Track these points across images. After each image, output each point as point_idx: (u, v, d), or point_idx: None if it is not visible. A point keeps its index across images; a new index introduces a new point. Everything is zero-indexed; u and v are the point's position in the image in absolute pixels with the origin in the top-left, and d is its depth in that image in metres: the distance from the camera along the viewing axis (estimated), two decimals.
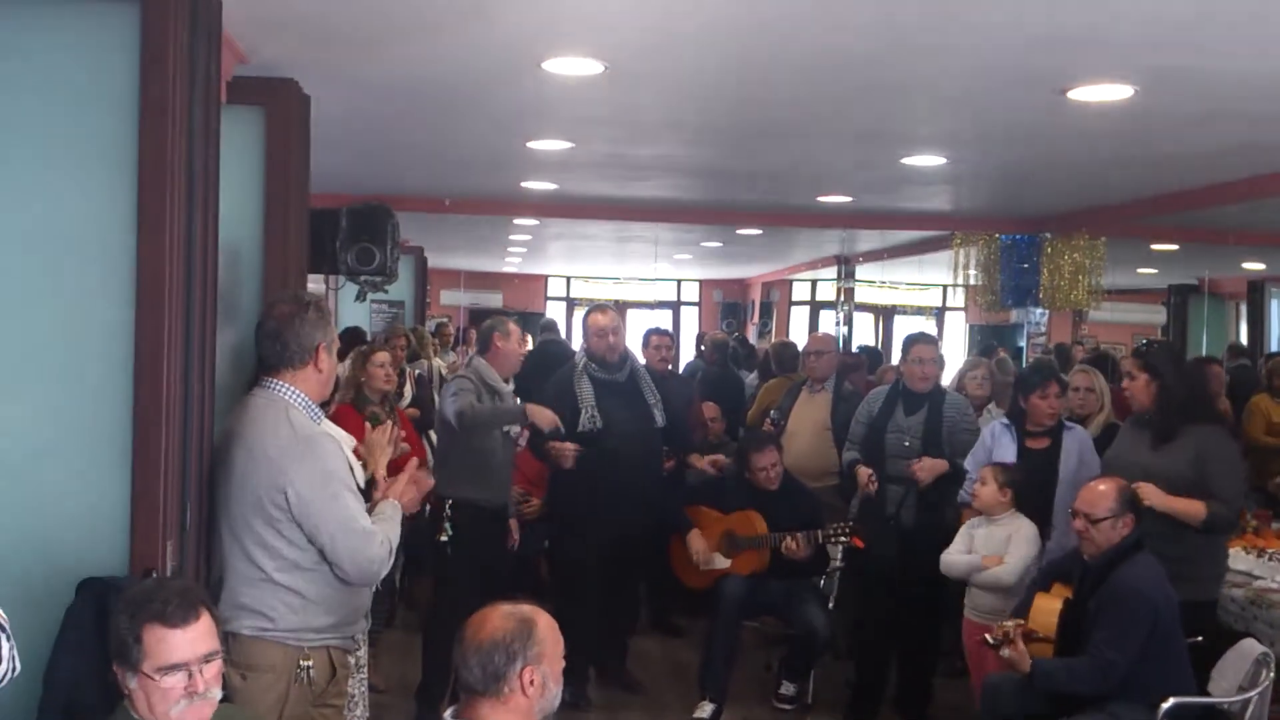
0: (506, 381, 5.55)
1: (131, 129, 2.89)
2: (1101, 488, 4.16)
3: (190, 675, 2.39)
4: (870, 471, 5.44)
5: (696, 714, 5.47)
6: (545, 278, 20.73)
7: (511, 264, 17.87)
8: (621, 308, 17.27)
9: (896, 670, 5.61)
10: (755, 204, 9.42)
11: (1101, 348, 12.51)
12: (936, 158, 6.66)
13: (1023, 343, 11.89)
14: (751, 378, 9.56)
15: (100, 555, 2.89)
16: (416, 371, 8.56)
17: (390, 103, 5.48)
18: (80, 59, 2.92)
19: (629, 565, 5.85)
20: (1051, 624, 4.17)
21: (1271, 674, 4.04)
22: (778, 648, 6.08)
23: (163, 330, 2.88)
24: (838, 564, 6.07)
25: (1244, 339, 13.84)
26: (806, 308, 18.63)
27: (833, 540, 5.59)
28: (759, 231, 11.55)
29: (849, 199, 8.69)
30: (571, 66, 4.48)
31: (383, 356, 5.77)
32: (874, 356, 10.69)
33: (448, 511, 5.23)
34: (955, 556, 4.94)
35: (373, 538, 3.10)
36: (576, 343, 8.10)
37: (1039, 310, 10.84)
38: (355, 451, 3.41)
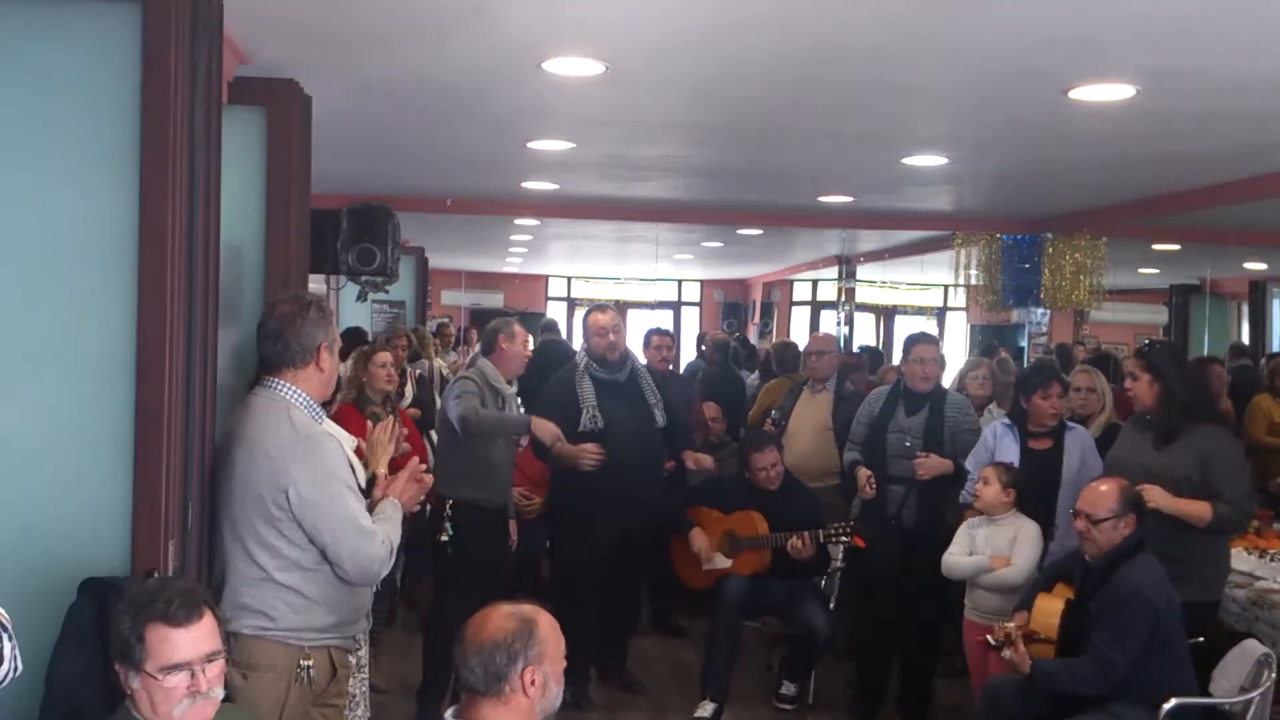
0: (510, 383, 5.56)
1: (133, 129, 2.89)
2: (1103, 488, 4.16)
3: (193, 675, 2.40)
4: (869, 474, 5.44)
5: (698, 713, 5.47)
6: (546, 278, 20.73)
7: (512, 264, 17.87)
8: (622, 308, 17.30)
9: (897, 670, 5.61)
10: (756, 204, 9.43)
11: (1103, 348, 12.51)
12: (937, 158, 6.66)
13: (1024, 343, 11.89)
14: (752, 378, 9.56)
15: (102, 555, 2.89)
16: (418, 371, 8.56)
17: (391, 103, 5.48)
18: (81, 59, 2.92)
19: (630, 565, 5.85)
20: (1053, 625, 4.17)
21: (1273, 675, 4.04)
22: (779, 648, 6.09)
23: (164, 330, 2.89)
24: (839, 564, 6.07)
25: (1245, 339, 13.85)
26: (807, 308, 18.62)
27: (834, 540, 5.59)
28: (760, 232, 11.55)
29: (850, 199, 8.68)
30: (572, 67, 4.48)
31: (385, 356, 5.77)
32: (875, 357, 10.69)
33: (448, 511, 5.23)
34: (959, 558, 4.93)
35: (373, 537, 3.10)
36: (577, 343, 8.11)
37: (1040, 310, 10.84)
38: (357, 451, 3.41)
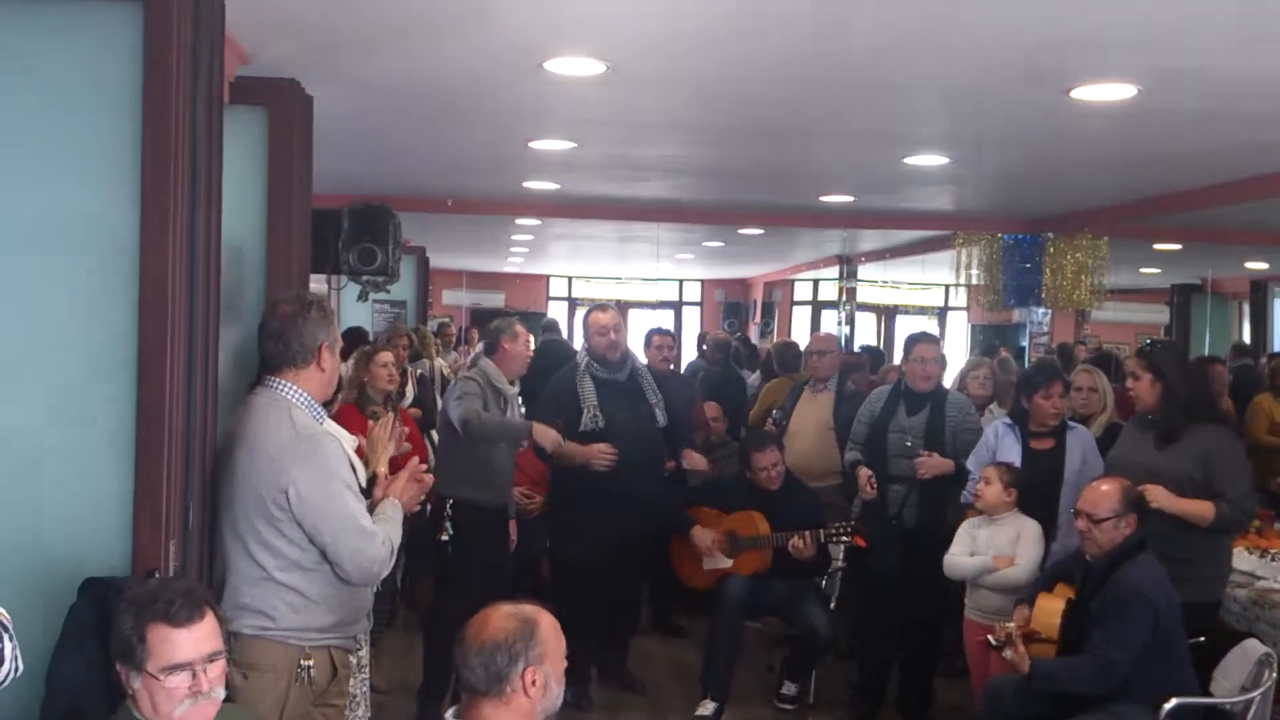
0: (512, 383, 5.56)
1: (135, 129, 2.89)
2: (1104, 488, 4.16)
3: (194, 675, 2.40)
4: (870, 474, 5.43)
5: (699, 711, 5.47)
6: (547, 278, 20.74)
7: (513, 264, 17.87)
8: (623, 308, 17.30)
9: (898, 670, 5.61)
10: (757, 204, 9.43)
11: (1104, 347, 12.51)
12: (939, 158, 6.65)
13: (1025, 342, 11.88)
14: (753, 377, 9.55)
15: (102, 555, 2.88)
16: (419, 371, 8.56)
17: (392, 103, 5.48)
18: (83, 59, 2.92)
19: (630, 565, 5.85)
20: (1054, 624, 4.17)
21: (1274, 674, 4.04)
22: (779, 648, 6.08)
23: (165, 330, 2.88)
24: (839, 564, 6.07)
25: (1246, 338, 13.84)
26: (808, 307, 18.63)
27: (834, 540, 5.59)
28: (761, 231, 11.55)
29: (851, 199, 8.68)
30: (573, 67, 4.48)
31: (386, 356, 5.78)
32: (876, 356, 10.69)
33: (448, 511, 5.23)
34: (962, 559, 4.92)
35: (373, 538, 3.10)
36: (578, 343, 8.11)
37: (1041, 310, 10.84)
38: (358, 451, 3.41)
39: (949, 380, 6.47)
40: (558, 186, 8.49)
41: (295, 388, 3.18)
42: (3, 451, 2.88)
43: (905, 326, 17.32)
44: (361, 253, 5.73)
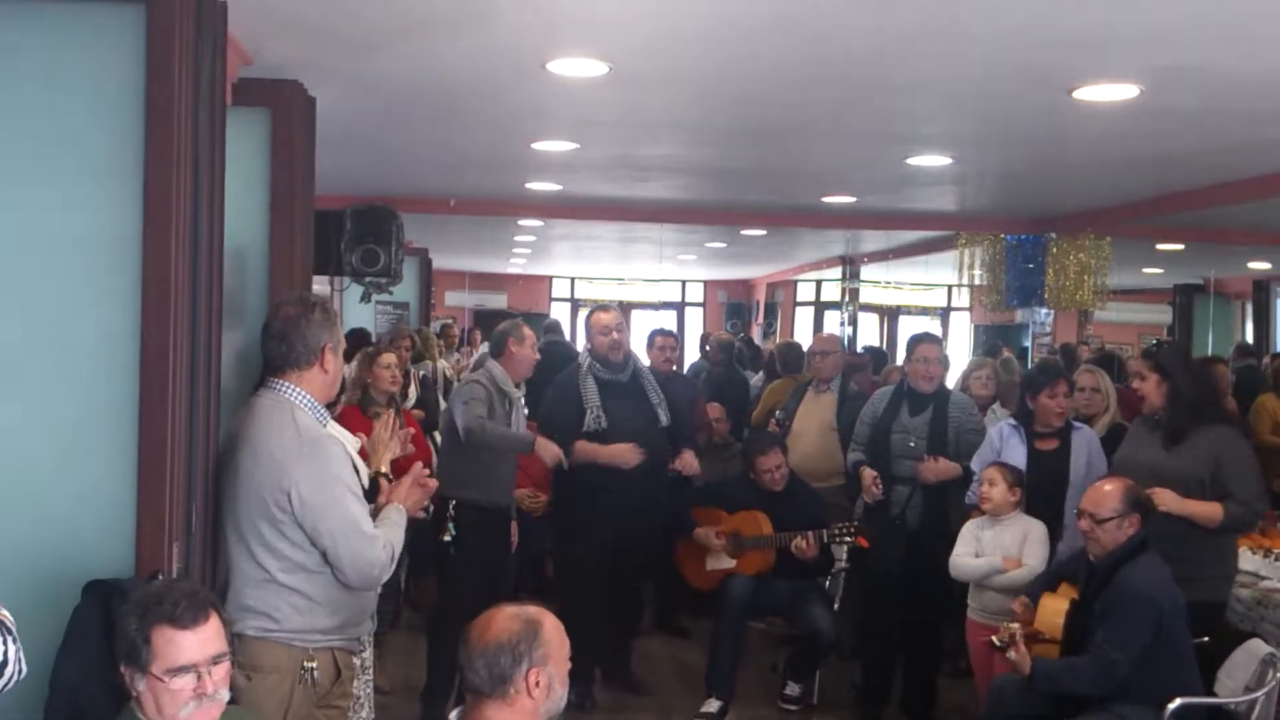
0: (518, 386, 5.55)
1: (137, 130, 2.90)
2: (1107, 488, 4.15)
3: (199, 677, 2.39)
4: (875, 474, 5.43)
5: (704, 709, 5.47)
6: (550, 279, 20.74)
7: (516, 265, 17.87)
8: (626, 308, 17.28)
9: (901, 671, 5.61)
10: (760, 205, 9.42)
11: (1107, 348, 12.50)
12: (941, 158, 6.65)
13: (1028, 343, 11.89)
14: (756, 378, 9.55)
15: (106, 557, 2.89)
16: (421, 373, 8.56)
17: (395, 104, 5.48)
18: (86, 60, 2.93)
19: (634, 566, 5.84)
20: (1058, 625, 4.16)
21: (1278, 674, 4.03)
22: (783, 648, 6.08)
23: (168, 331, 2.89)
24: (843, 564, 6.06)
25: (1249, 338, 13.82)
26: (811, 308, 18.63)
27: (838, 540, 5.59)
28: (763, 232, 11.55)
29: (853, 199, 8.68)
30: (576, 68, 4.48)
31: (389, 358, 5.78)
32: (879, 357, 10.69)
33: (451, 512, 5.23)
34: (968, 560, 4.90)
35: (374, 541, 3.10)
36: (580, 344, 8.10)
37: (1044, 310, 10.85)
38: (360, 452, 3.41)
39: (952, 381, 6.47)
40: (560, 187, 8.49)
41: (298, 389, 3.17)
42: (6, 453, 2.88)
43: (908, 327, 17.30)
44: (364, 254, 5.74)
